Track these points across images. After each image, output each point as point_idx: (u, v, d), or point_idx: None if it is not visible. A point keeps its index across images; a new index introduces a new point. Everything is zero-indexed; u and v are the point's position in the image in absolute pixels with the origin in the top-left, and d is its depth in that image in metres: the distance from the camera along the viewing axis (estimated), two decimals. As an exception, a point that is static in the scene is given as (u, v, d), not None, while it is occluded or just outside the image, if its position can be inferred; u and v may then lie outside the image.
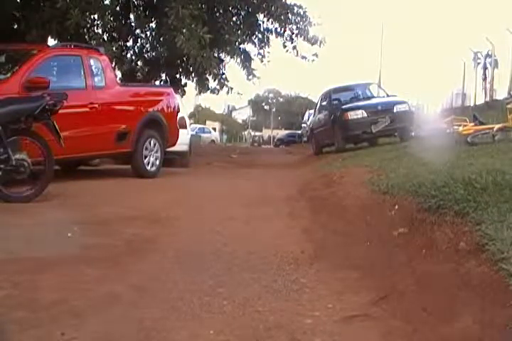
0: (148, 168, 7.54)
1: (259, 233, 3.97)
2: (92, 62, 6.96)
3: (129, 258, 3.08)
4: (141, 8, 12.32)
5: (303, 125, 26.52)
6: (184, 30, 9.39)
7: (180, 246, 3.43)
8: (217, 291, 2.55)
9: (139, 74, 13.10)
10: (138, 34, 13.10)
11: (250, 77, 13.48)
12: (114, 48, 9.90)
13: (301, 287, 2.67)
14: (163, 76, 13.86)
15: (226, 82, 13.16)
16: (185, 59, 10.55)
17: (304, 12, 12.47)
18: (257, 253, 3.27)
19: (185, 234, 3.85)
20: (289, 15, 12.38)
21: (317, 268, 3.00)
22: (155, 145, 7.65)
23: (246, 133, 59.90)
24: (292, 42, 13.06)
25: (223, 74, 13.43)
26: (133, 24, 12.55)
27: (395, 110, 10.63)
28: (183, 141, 9.44)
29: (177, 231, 3.89)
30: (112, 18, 11.25)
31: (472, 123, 8.10)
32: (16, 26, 10.67)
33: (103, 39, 11.01)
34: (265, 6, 12.17)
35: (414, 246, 2.71)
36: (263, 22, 13.22)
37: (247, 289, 2.61)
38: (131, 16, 12.38)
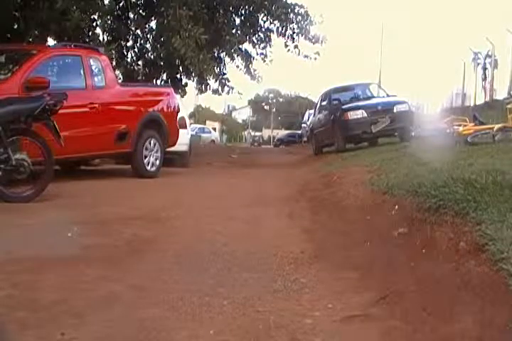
0: (148, 168, 7.54)
1: (259, 233, 3.97)
2: (92, 62, 6.97)
3: (129, 258, 3.08)
4: (141, 8, 12.33)
5: (303, 125, 26.47)
6: (181, 31, 9.39)
7: (181, 246, 3.43)
8: (217, 291, 2.55)
9: (139, 74, 13.11)
10: (138, 34, 13.10)
11: (254, 76, 13.48)
12: (114, 49, 9.90)
13: (301, 287, 2.67)
14: (164, 76, 13.87)
15: (227, 82, 13.17)
16: (183, 60, 10.55)
17: (305, 11, 12.49)
18: (257, 253, 3.27)
19: (185, 234, 3.84)
20: (290, 15, 12.39)
21: (317, 268, 2.99)
22: (155, 145, 7.65)
23: (246, 133, 59.89)
24: (293, 42, 13.07)
25: (224, 74, 13.43)
26: (133, 24, 12.56)
27: (395, 110, 10.62)
28: (183, 141, 9.44)
29: (177, 231, 3.89)
30: (111, 18, 11.26)
31: (472, 123, 8.12)
32: (16, 26, 10.67)
33: (103, 39, 11.02)
34: (266, 6, 12.17)
35: (414, 246, 2.71)
36: (264, 22, 13.23)
37: (247, 289, 2.60)
38: (131, 16, 12.40)
